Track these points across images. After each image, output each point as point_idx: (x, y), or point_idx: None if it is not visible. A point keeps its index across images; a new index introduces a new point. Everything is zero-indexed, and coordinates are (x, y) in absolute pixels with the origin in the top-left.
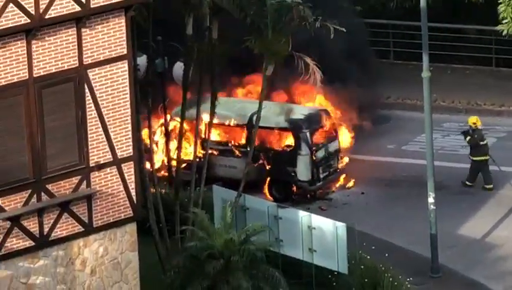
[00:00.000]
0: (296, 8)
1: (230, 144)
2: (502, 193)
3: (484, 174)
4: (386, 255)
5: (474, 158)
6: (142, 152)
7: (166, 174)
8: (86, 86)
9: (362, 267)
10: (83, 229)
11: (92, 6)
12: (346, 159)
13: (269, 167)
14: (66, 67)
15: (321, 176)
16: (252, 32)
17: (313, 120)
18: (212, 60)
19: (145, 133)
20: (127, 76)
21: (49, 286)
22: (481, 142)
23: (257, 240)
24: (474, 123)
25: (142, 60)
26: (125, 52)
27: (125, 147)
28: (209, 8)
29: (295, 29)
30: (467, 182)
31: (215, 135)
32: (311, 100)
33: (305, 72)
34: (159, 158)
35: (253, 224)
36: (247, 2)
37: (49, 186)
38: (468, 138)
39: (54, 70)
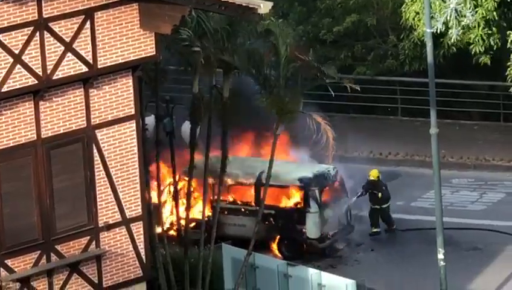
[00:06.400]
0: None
1: (239, 203)
2: (511, 249)
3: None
4: None
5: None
6: (151, 212)
7: (175, 233)
8: (94, 146)
9: None
10: None
11: (99, 66)
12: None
13: (278, 225)
14: (74, 128)
15: (330, 233)
16: (264, 90)
17: (322, 178)
18: (222, 118)
19: (154, 192)
20: (135, 136)
21: None
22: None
23: None
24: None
25: (150, 120)
26: (133, 112)
27: (134, 207)
28: (220, 67)
29: (309, 87)
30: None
31: (224, 194)
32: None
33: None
34: (167, 217)
35: None
36: (261, 61)
37: (59, 247)
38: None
39: (62, 131)
